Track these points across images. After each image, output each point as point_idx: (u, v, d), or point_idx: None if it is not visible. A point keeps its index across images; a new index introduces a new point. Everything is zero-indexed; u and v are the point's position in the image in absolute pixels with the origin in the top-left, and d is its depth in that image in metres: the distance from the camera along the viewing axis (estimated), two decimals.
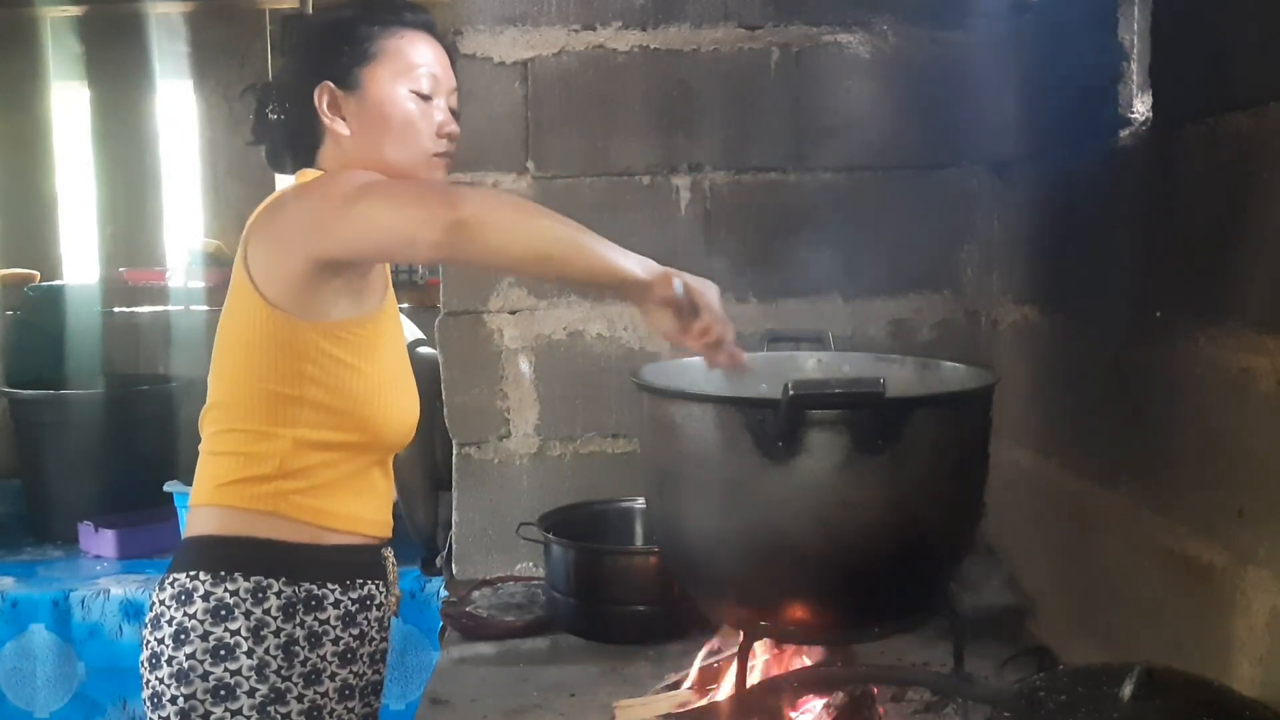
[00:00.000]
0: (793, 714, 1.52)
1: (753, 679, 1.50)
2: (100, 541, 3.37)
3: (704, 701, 1.65)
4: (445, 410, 2.30)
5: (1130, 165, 1.65)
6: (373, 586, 1.67)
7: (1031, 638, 1.96)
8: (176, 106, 4.65)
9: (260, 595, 1.55)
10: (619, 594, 2.00)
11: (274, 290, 1.53)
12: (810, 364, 1.71)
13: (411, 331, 2.91)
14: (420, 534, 2.46)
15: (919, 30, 2.24)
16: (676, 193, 2.27)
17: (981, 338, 2.29)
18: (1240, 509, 1.36)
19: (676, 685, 1.73)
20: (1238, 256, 1.36)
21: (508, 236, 1.42)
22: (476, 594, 2.19)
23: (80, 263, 4.75)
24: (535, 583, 2.22)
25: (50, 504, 3.57)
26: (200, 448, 1.65)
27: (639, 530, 2.20)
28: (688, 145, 2.26)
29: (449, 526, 2.36)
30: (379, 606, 1.69)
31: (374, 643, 1.68)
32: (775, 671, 1.60)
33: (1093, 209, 1.78)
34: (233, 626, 1.54)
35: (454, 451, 2.32)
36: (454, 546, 2.33)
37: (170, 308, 4.14)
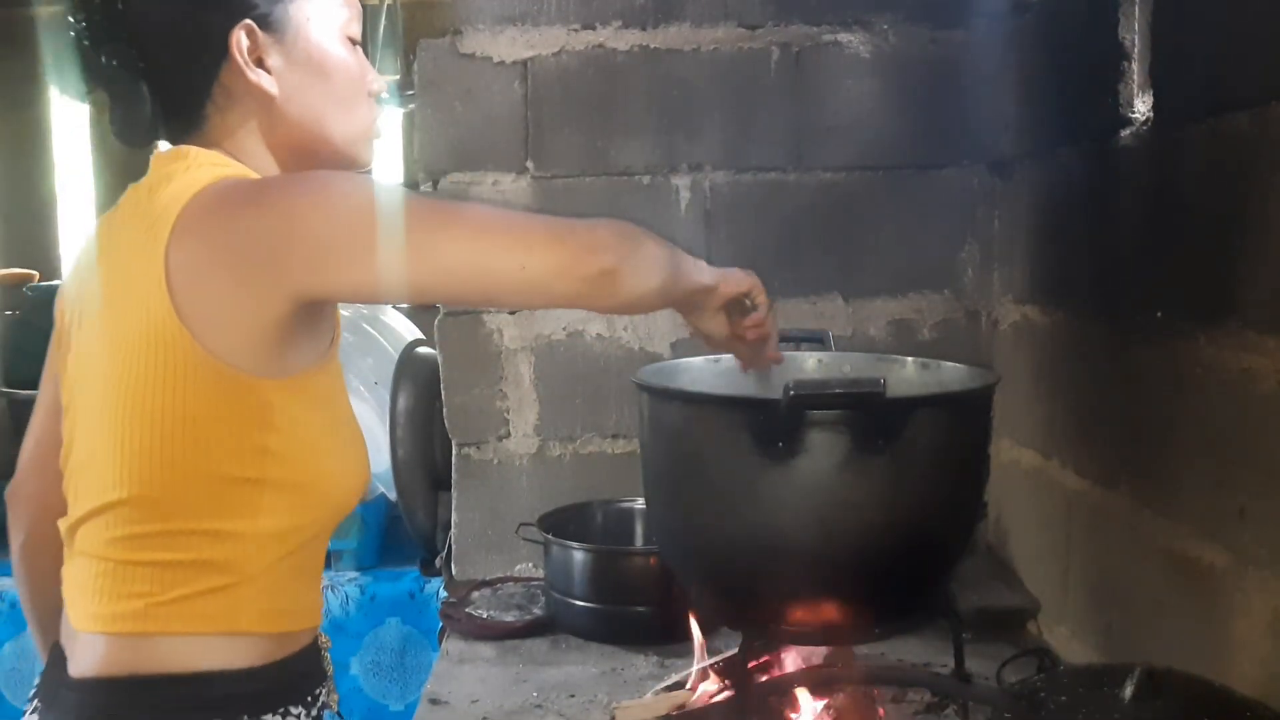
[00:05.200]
0: (793, 714, 1.52)
1: (753, 679, 1.50)
2: None
3: (704, 701, 1.65)
4: (445, 410, 2.30)
5: (1130, 165, 1.65)
6: (323, 690, 1.29)
7: (1031, 638, 1.96)
8: None
9: None
10: (619, 594, 2.00)
11: (225, 341, 1.10)
12: (810, 364, 1.70)
13: (411, 331, 2.91)
14: (420, 534, 2.46)
15: (919, 30, 2.24)
16: (676, 193, 2.27)
17: (981, 338, 2.29)
18: (1241, 509, 1.36)
19: (676, 685, 1.73)
20: (1238, 256, 1.36)
21: (641, 280, 1.20)
22: (476, 594, 2.19)
23: None
24: (535, 583, 2.22)
25: None
26: (81, 549, 1.19)
27: (639, 530, 2.20)
28: (688, 145, 2.26)
29: (449, 527, 2.36)
30: (324, 708, 1.30)
31: None
32: (775, 671, 1.60)
33: (1093, 209, 1.78)
34: None
35: (454, 452, 2.32)
36: (454, 547, 2.32)
37: None
